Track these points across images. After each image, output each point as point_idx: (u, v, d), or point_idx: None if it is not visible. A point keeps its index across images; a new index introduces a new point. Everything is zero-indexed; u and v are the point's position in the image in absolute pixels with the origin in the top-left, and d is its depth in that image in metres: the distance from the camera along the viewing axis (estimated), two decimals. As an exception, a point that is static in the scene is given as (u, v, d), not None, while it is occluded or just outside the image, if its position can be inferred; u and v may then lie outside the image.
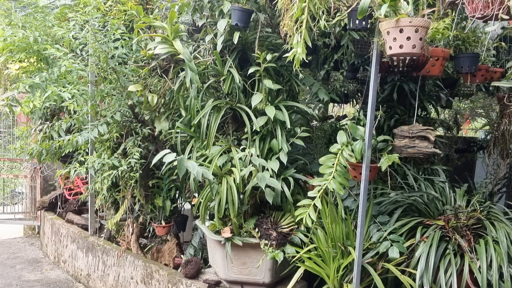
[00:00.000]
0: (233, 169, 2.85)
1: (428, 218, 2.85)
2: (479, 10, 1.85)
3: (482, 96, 4.92)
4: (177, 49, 2.68)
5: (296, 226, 2.94)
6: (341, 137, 2.51)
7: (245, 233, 2.99)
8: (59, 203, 5.53)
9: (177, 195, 3.86)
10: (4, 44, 2.96)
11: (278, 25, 2.68)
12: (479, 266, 2.42)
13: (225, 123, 3.25)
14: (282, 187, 2.89)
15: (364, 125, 2.44)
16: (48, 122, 4.26)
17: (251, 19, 2.89)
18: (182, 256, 3.76)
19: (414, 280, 2.50)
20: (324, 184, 2.42)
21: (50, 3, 4.03)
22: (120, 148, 3.55)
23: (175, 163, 2.38)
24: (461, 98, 4.53)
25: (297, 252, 2.79)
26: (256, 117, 2.88)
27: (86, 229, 4.77)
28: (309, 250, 2.76)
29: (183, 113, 3.12)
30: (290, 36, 2.33)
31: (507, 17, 1.90)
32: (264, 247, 2.82)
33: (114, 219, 3.90)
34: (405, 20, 1.96)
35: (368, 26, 2.23)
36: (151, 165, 2.76)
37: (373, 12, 2.16)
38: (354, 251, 2.51)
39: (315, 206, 2.46)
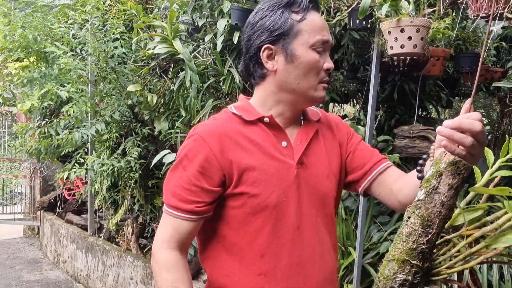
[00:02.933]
0: (233, 169, 2.83)
1: (429, 219, 2.84)
2: (484, 9, 1.84)
3: (482, 96, 4.90)
4: (177, 49, 2.67)
5: (296, 226, 2.93)
6: (342, 137, 2.49)
7: (245, 234, 2.97)
8: (58, 203, 5.52)
9: (177, 195, 3.84)
10: (3, 41, 2.96)
11: (278, 24, 2.67)
12: (480, 266, 2.41)
13: (225, 123, 3.23)
14: (282, 187, 2.87)
15: (364, 125, 2.43)
16: (47, 120, 4.25)
17: (251, 19, 2.88)
18: (181, 256, 3.75)
19: (414, 280, 2.49)
20: (324, 184, 2.40)
21: (50, 3, 4.02)
22: (120, 148, 3.54)
23: (174, 163, 2.37)
24: (461, 98, 4.51)
25: (297, 253, 2.78)
26: (256, 117, 2.87)
27: (86, 230, 4.76)
28: (309, 251, 2.75)
29: (183, 113, 3.11)
30: (290, 36, 2.32)
31: None
32: (264, 248, 2.81)
33: (114, 219, 3.89)
34: (406, 20, 1.95)
35: (369, 25, 2.22)
36: (151, 165, 2.76)
37: (373, 12, 2.15)
38: (355, 252, 2.50)
39: (315, 206, 2.45)
